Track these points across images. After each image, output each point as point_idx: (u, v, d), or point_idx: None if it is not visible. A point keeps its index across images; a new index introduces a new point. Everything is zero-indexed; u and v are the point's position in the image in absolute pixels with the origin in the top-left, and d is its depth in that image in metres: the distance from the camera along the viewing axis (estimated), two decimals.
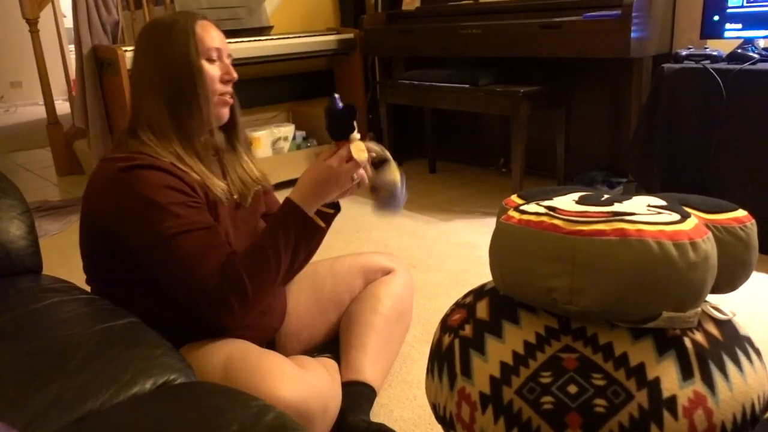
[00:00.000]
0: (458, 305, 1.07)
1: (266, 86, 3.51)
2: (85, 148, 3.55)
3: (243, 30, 3.24)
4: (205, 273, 1.11)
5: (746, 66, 2.04)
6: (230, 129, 1.33)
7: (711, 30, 2.25)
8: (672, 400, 0.81)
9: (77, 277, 1.32)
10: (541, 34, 2.57)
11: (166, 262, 1.12)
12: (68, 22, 4.46)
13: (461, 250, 2.37)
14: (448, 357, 0.98)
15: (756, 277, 1.94)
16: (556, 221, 0.89)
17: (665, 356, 0.84)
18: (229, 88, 1.27)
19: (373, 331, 1.43)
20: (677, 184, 2.25)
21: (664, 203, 0.94)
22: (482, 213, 2.79)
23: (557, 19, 2.52)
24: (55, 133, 3.81)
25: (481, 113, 3.41)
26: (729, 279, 0.95)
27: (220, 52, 1.25)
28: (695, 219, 0.89)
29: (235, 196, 1.30)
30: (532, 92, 2.61)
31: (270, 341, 1.41)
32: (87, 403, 0.88)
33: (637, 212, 0.88)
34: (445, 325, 1.04)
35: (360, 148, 1.19)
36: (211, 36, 1.23)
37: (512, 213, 0.97)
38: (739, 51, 2.13)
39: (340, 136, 1.21)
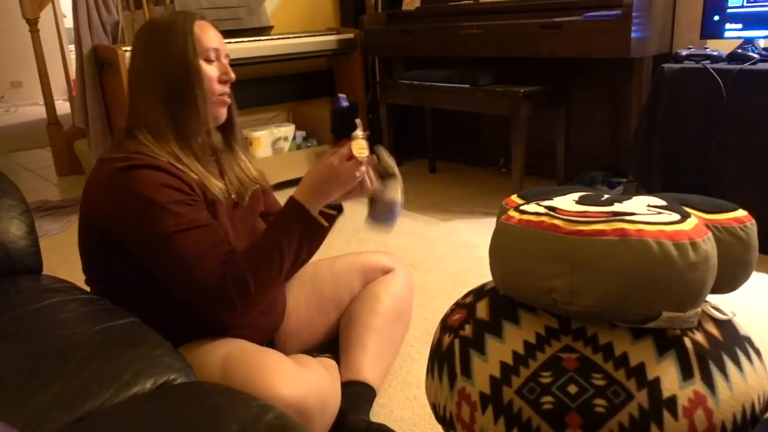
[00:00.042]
0: (458, 305, 1.07)
1: (266, 86, 3.51)
2: (86, 148, 3.55)
3: (243, 30, 3.24)
4: (206, 270, 1.11)
5: (746, 66, 2.04)
6: (227, 129, 1.33)
7: (711, 30, 2.25)
8: (672, 400, 0.81)
9: (77, 277, 1.32)
10: (541, 34, 2.57)
11: (166, 260, 1.12)
12: (68, 22, 4.46)
13: (461, 250, 2.37)
14: (448, 357, 0.98)
15: (756, 277, 1.93)
16: (556, 221, 0.89)
17: (665, 356, 0.84)
18: (227, 89, 1.27)
19: (372, 330, 1.43)
20: (677, 184, 2.25)
21: (664, 203, 0.94)
22: (482, 213, 2.79)
23: (557, 19, 2.52)
24: (55, 133, 3.81)
25: (481, 113, 3.41)
26: (729, 279, 0.95)
27: (218, 53, 1.25)
28: (695, 219, 0.89)
29: (233, 196, 1.30)
30: (532, 92, 2.61)
31: (269, 341, 1.41)
32: (87, 403, 0.88)
33: (637, 212, 0.88)
34: (445, 325, 1.04)
35: (361, 146, 1.19)
36: (209, 36, 1.23)
37: (512, 213, 0.97)
38: (739, 51, 2.13)
39: (342, 134, 1.21)
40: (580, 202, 0.95)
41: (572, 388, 0.83)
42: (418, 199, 3.03)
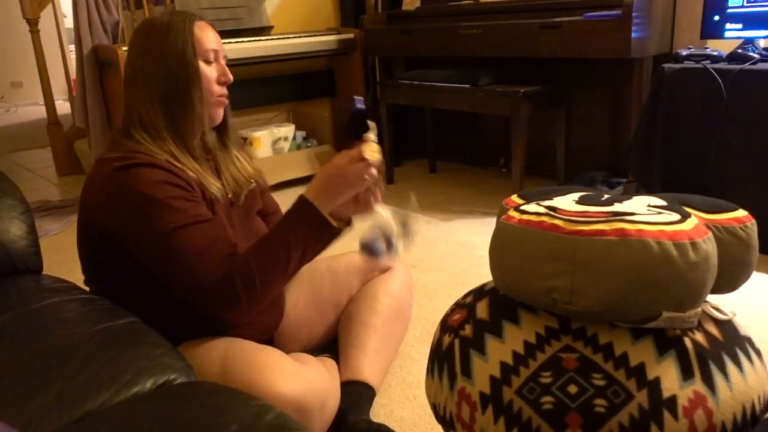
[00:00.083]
0: (458, 305, 1.07)
1: (266, 86, 3.50)
2: (86, 148, 3.55)
3: (243, 30, 3.24)
4: (210, 265, 1.10)
5: (746, 66, 2.04)
6: (221, 129, 1.33)
7: (711, 30, 2.25)
8: (672, 400, 0.81)
9: (77, 277, 1.32)
10: (542, 34, 2.57)
11: (168, 257, 1.12)
12: (68, 22, 4.47)
13: (461, 250, 2.37)
14: (448, 357, 0.98)
15: (756, 277, 1.93)
16: (556, 221, 0.89)
17: (665, 356, 0.84)
18: (225, 90, 1.27)
19: (371, 330, 1.43)
20: (677, 184, 2.25)
21: (664, 203, 0.94)
22: (482, 213, 2.79)
23: (557, 19, 2.51)
24: (55, 133, 3.81)
25: (481, 113, 3.41)
26: (729, 279, 0.95)
27: (217, 54, 1.25)
28: (695, 219, 0.89)
29: (230, 195, 1.30)
30: (533, 92, 2.61)
31: (268, 341, 1.41)
32: (87, 403, 0.88)
33: (637, 212, 0.88)
34: (445, 325, 1.04)
35: (373, 149, 1.19)
36: (208, 37, 1.23)
37: (512, 213, 0.97)
38: (739, 51, 2.13)
39: (353, 135, 1.21)
40: (580, 202, 0.95)
41: (572, 388, 0.83)
42: (418, 199, 3.03)
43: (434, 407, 1.02)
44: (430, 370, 1.03)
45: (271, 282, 1.15)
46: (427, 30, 3.07)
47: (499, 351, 0.91)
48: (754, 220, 0.96)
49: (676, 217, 0.87)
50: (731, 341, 0.89)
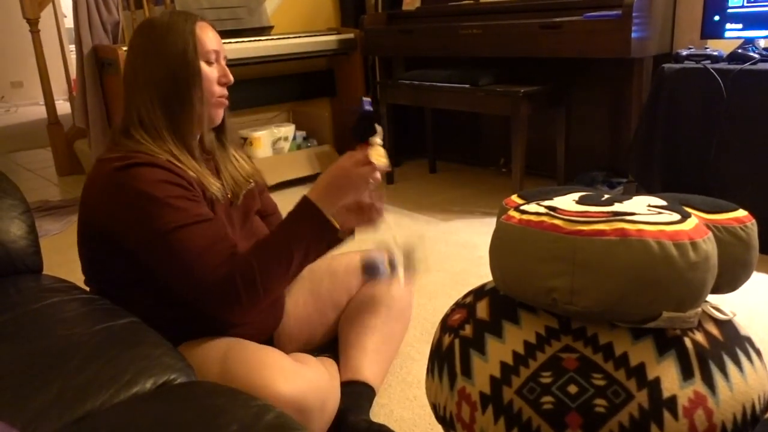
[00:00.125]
0: (458, 305, 1.07)
1: (266, 86, 3.50)
2: (86, 148, 3.55)
3: (243, 30, 3.24)
4: (211, 264, 1.10)
5: (747, 66, 2.04)
6: (219, 129, 1.33)
7: (711, 30, 2.25)
8: (672, 400, 0.81)
9: (77, 277, 1.32)
10: (542, 34, 2.57)
11: (169, 256, 1.12)
12: (69, 22, 4.46)
13: (461, 250, 2.37)
14: (448, 357, 0.98)
15: (756, 277, 1.93)
16: (556, 221, 0.89)
17: (665, 356, 0.84)
18: (225, 91, 1.27)
19: (371, 330, 1.43)
20: (678, 184, 2.25)
21: (664, 203, 0.94)
22: (482, 213, 2.79)
23: (557, 19, 2.51)
24: (55, 133, 3.81)
25: (481, 113, 3.41)
26: (729, 279, 0.95)
27: (218, 55, 1.25)
28: (695, 219, 0.89)
29: (229, 195, 1.30)
30: (533, 92, 2.61)
31: (268, 341, 1.41)
32: (87, 403, 0.88)
33: (637, 212, 0.88)
34: (445, 325, 1.04)
35: (380, 154, 1.18)
36: (209, 38, 1.23)
37: (512, 213, 0.97)
38: (739, 51, 2.13)
39: (360, 138, 1.21)
40: (580, 202, 0.95)
41: (572, 388, 0.83)
42: (418, 199, 3.03)
43: (434, 407, 1.02)
44: (430, 370, 1.03)
45: (272, 282, 1.15)
46: (427, 30, 3.07)
47: (499, 351, 0.91)
48: (754, 220, 0.96)
49: (677, 217, 0.87)
50: (731, 341, 0.89)
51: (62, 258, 2.19)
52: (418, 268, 1.42)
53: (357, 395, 1.33)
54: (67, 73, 3.98)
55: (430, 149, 3.51)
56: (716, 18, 2.23)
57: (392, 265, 1.39)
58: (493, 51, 2.80)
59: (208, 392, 0.91)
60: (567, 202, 0.95)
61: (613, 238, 0.83)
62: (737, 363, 0.86)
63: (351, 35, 3.48)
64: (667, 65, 2.22)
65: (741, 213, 0.96)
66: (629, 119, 2.58)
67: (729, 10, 2.19)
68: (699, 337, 0.87)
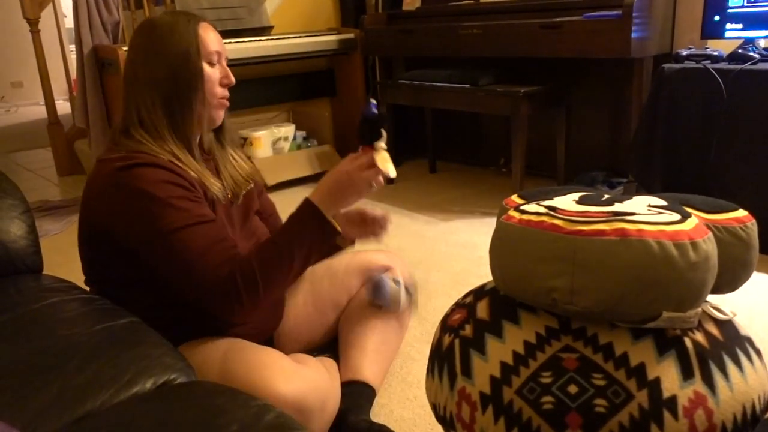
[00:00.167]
0: (458, 305, 1.07)
1: (266, 86, 3.51)
2: (86, 148, 3.55)
3: (243, 30, 3.24)
4: (213, 265, 1.10)
5: (747, 66, 2.04)
6: (219, 129, 1.33)
7: (712, 30, 2.25)
8: (672, 400, 0.81)
9: (77, 276, 1.32)
10: (542, 34, 2.57)
11: (170, 256, 1.11)
12: (69, 22, 4.46)
13: (461, 250, 2.37)
14: (448, 357, 0.98)
15: (756, 277, 1.93)
16: (556, 221, 0.89)
17: (665, 356, 0.84)
18: (227, 92, 1.27)
19: (371, 330, 1.43)
20: (678, 184, 2.25)
21: (664, 203, 0.94)
22: (482, 213, 2.79)
23: (557, 19, 2.51)
24: (55, 133, 3.81)
25: (481, 113, 3.41)
26: (729, 279, 0.95)
27: (219, 56, 1.25)
28: (696, 219, 0.89)
29: (229, 195, 1.30)
30: (533, 92, 2.61)
31: (268, 341, 1.41)
32: (87, 403, 0.88)
33: (637, 212, 0.88)
34: (446, 325, 1.04)
35: (385, 158, 1.17)
36: (212, 39, 1.23)
37: (512, 213, 0.97)
38: (739, 51, 2.13)
39: (365, 141, 1.20)
40: (580, 202, 0.95)
41: (572, 388, 0.83)
42: (418, 199, 3.03)
43: (434, 407, 1.02)
44: (430, 370, 1.03)
45: (273, 282, 1.15)
46: (427, 30, 3.08)
47: (499, 351, 0.91)
48: (754, 220, 0.96)
49: (677, 217, 0.87)
50: (731, 341, 0.89)
51: (62, 258, 2.20)
52: (416, 305, 1.44)
53: (357, 395, 1.33)
54: (67, 73, 3.98)
55: (430, 149, 3.51)
56: (716, 18, 2.23)
57: (397, 283, 1.39)
58: (493, 51, 2.80)
59: (208, 392, 0.91)
60: (567, 202, 0.95)
61: (613, 238, 0.83)
62: (737, 363, 0.86)
63: (351, 35, 3.48)
64: (667, 65, 2.22)
65: (741, 213, 0.96)
66: (629, 119, 2.58)
67: (729, 10, 2.19)
68: (699, 337, 0.87)
